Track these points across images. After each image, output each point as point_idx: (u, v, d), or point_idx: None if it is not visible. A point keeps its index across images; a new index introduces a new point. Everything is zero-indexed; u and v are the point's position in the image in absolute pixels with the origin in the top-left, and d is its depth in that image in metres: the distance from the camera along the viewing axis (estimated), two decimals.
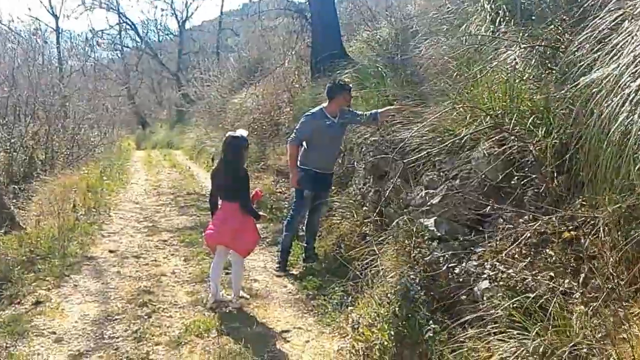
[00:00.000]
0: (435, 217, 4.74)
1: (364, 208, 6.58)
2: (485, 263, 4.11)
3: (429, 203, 4.84)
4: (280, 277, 6.46)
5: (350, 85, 6.68)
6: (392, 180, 6.11)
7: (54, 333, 4.95)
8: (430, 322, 3.96)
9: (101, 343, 4.78)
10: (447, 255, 4.43)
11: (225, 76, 23.46)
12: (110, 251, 7.49)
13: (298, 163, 6.56)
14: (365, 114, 6.59)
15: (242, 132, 5.50)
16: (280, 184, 12.55)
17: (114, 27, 39.38)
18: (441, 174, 5.03)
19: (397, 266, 4.82)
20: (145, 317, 5.32)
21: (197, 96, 27.96)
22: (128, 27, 38.85)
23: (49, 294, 5.86)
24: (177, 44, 39.84)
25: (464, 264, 4.30)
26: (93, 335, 4.93)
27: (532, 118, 4.20)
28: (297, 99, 13.98)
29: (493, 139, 4.62)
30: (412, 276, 4.33)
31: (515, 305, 3.38)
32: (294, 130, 6.62)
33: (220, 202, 5.56)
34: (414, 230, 4.85)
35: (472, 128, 4.53)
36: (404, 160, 5.90)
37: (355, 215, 6.63)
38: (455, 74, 5.96)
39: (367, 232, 6.14)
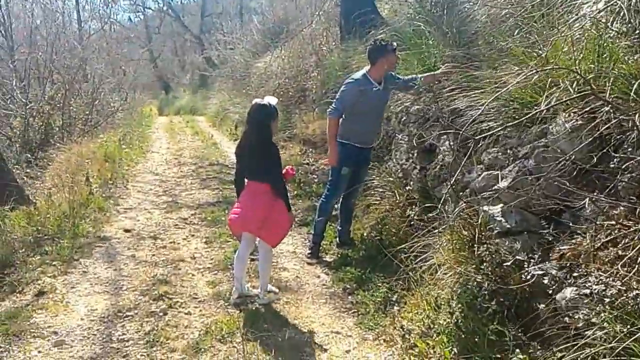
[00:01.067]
0: (502, 205, 3.94)
1: (408, 188, 5.78)
2: (573, 266, 3.33)
3: (494, 187, 4.02)
4: (312, 265, 5.73)
5: (395, 44, 5.80)
6: (442, 157, 5.30)
7: (55, 333, 4.30)
8: (508, 340, 3.20)
9: (108, 347, 4.11)
10: (520, 253, 3.66)
11: (248, 39, 22.53)
12: (126, 230, 6.82)
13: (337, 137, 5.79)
14: (409, 77, 5.79)
15: (270, 100, 4.69)
16: (308, 154, 11.80)
17: None
18: (508, 151, 4.20)
19: (456, 263, 4.06)
20: (161, 313, 4.64)
21: (220, 60, 27.16)
22: None
23: (54, 282, 5.21)
24: (199, 5, 38.87)
25: (542, 265, 3.52)
26: (100, 337, 4.25)
27: (636, 83, 3.34)
28: (325, 63, 13.11)
29: (576, 109, 3.78)
30: (479, 279, 3.56)
31: (629, 330, 2.61)
32: (335, 100, 5.80)
33: (246, 181, 4.81)
34: (477, 219, 4.07)
35: (555, 96, 3.67)
36: (460, 133, 5.11)
37: (397, 196, 5.84)
38: (517, 31, 5.09)
39: (413, 216, 5.35)
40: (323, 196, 6.02)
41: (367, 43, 10.55)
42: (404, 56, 7.39)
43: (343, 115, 5.73)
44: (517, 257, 3.64)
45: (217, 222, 7.12)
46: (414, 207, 5.40)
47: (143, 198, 8.50)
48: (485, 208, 3.98)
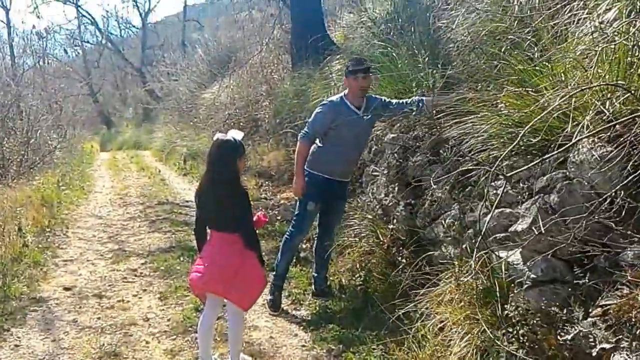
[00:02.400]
0: (520, 250, 3.31)
1: (391, 226, 5.12)
2: (622, 324, 2.71)
3: (509, 228, 3.39)
4: (286, 318, 4.99)
5: (367, 64, 5.16)
6: (430, 192, 4.67)
7: None
8: None
9: None
10: (551, 309, 3.02)
11: (193, 69, 21.77)
12: (66, 288, 5.91)
13: (305, 165, 5.12)
14: (405, 101, 5.13)
15: (234, 134, 3.95)
16: (265, 188, 11.09)
17: (71, 22, 37.24)
18: (520, 185, 3.59)
19: (468, 321, 3.40)
20: None
21: (164, 92, 26.28)
22: (88, 21, 36.69)
23: None
24: (139, 38, 37.84)
25: (579, 324, 2.89)
26: None
27: None
28: (278, 91, 12.47)
29: (603, 134, 3.19)
30: (511, 349, 2.90)
31: None
32: (307, 124, 5.15)
33: (209, 231, 4.05)
34: (488, 267, 3.43)
35: (586, 118, 3.06)
36: (447, 164, 4.50)
37: (380, 236, 5.16)
38: (506, 49, 4.53)
39: (401, 259, 4.69)
40: (287, 233, 5.32)
41: (323, 69, 10.05)
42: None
43: (317, 142, 5.08)
44: (551, 310, 3.01)
45: (171, 272, 6.29)
46: (402, 249, 4.74)
47: (85, 247, 7.59)
48: (502, 254, 3.34)
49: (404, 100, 5.13)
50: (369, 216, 5.43)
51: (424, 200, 4.65)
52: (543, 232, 3.17)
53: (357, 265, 5.37)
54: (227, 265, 3.79)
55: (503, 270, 3.30)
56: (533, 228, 3.24)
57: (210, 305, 4.01)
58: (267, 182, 11.45)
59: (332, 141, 4.96)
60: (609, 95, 3.04)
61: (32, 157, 13.57)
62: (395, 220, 5.06)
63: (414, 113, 5.03)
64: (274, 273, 5.28)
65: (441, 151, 4.80)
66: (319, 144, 5.06)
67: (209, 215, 3.94)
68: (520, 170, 3.39)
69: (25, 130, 13.48)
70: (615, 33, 3.27)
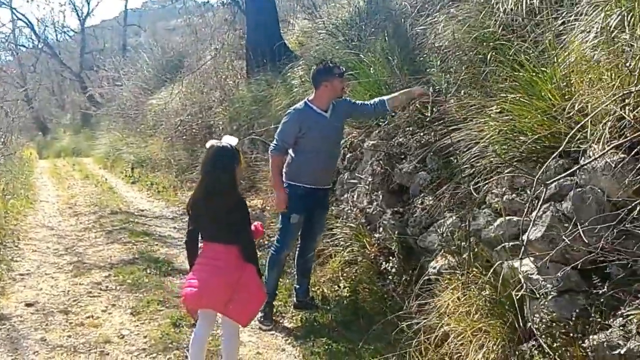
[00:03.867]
0: (532, 259, 3.25)
1: (377, 235, 5.01)
2: None
3: (523, 237, 3.31)
4: (271, 332, 4.81)
5: (342, 68, 5.06)
6: (420, 199, 4.58)
7: None
8: None
9: None
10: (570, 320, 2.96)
11: (138, 74, 21.20)
12: (28, 304, 5.54)
13: (283, 177, 4.96)
14: (369, 103, 5.05)
15: (229, 140, 3.77)
16: None
17: (6, 25, 35.82)
18: (526, 192, 3.53)
19: (480, 334, 3.32)
20: None
21: (107, 98, 25.53)
22: (23, 24, 35.32)
23: None
24: (78, 42, 36.66)
25: (602, 333, 2.85)
26: None
27: None
28: (234, 97, 12.23)
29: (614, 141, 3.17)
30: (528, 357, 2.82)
31: None
32: (275, 135, 4.99)
33: (201, 243, 3.82)
34: (497, 276, 3.36)
35: (599, 127, 3.03)
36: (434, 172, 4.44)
37: (367, 246, 5.03)
38: (489, 56, 4.50)
39: (390, 269, 4.57)
40: (272, 248, 5.13)
41: (285, 76, 9.89)
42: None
43: (290, 153, 4.93)
44: (570, 324, 2.95)
45: (139, 285, 5.99)
46: (391, 258, 4.63)
47: (41, 259, 7.17)
48: (515, 264, 3.26)
49: (368, 102, 5.08)
50: (352, 225, 5.30)
51: (414, 208, 4.55)
52: (557, 240, 3.13)
53: (340, 275, 5.24)
54: (225, 280, 3.59)
55: (515, 280, 3.22)
56: (545, 236, 3.20)
57: (204, 322, 3.78)
58: None
59: (306, 148, 4.83)
60: (626, 101, 3.00)
61: None
62: (381, 229, 4.95)
63: (370, 112, 5.09)
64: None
65: (428, 159, 4.75)
66: (293, 155, 4.91)
67: (203, 226, 3.72)
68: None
69: None
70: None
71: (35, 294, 5.85)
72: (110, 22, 41.81)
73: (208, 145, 3.75)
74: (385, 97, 4.98)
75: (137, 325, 5.04)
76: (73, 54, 36.15)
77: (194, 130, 13.76)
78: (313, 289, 5.31)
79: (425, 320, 3.84)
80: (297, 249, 5.18)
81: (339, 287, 5.15)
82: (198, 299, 3.65)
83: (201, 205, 3.69)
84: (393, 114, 5.29)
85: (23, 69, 35.33)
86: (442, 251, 4.08)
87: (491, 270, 3.36)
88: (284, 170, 4.97)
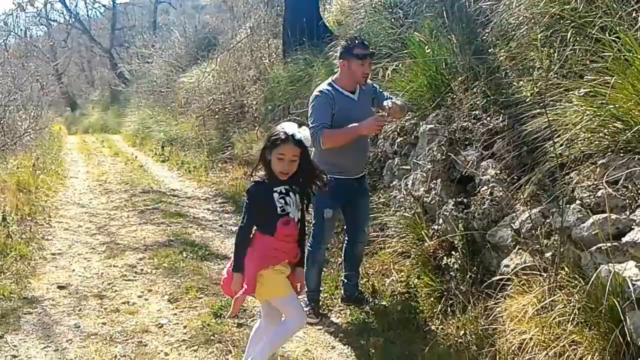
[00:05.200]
0: (635, 263, 2.84)
1: (437, 227, 4.62)
2: None
3: (625, 239, 2.90)
4: (318, 327, 4.45)
5: (368, 49, 4.40)
6: (488, 189, 4.18)
7: None
8: None
9: None
10: None
11: (170, 52, 20.91)
12: (60, 287, 5.27)
13: None
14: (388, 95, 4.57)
15: (292, 128, 3.32)
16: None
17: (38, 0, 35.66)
18: (628, 187, 3.11)
19: (568, 343, 2.93)
20: None
21: (136, 75, 25.33)
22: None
23: None
24: (108, 19, 36.52)
25: None
26: None
27: None
28: (270, 77, 11.86)
29: None
30: None
31: None
32: (310, 122, 4.31)
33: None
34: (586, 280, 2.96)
35: None
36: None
37: (426, 239, 4.64)
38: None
39: (452, 265, 4.19)
40: (308, 245, 4.50)
41: (327, 55, 9.47)
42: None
43: None
44: None
45: (176, 270, 5.68)
46: (453, 253, 4.24)
47: (73, 239, 6.91)
48: (611, 267, 2.85)
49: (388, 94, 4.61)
50: (406, 214, 4.91)
51: (482, 200, 4.14)
52: None
53: (392, 268, 4.87)
54: None
55: (615, 286, 2.82)
56: None
57: (267, 314, 3.46)
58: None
59: None
60: None
61: (3, 139, 12.70)
62: (441, 220, 4.56)
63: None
64: (307, 289, 4.64)
65: (496, 146, 4.35)
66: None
67: None
68: None
69: None
70: None
71: (68, 276, 5.59)
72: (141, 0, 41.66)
73: (281, 129, 3.30)
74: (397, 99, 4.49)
75: (176, 314, 4.73)
76: (103, 31, 36.07)
77: (226, 110, 13.46)
78: (361, 282, 4.94)
79: (496, 325, 3.47)
80: (345, 240, 4.78)
81: (392, 281, 4.77)
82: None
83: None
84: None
85: (54, 44, 35.27)
86: (518, 249, 3.68)
87: (592, 275, 2.96)
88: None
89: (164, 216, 7.96)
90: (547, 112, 3.60)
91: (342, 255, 4.83)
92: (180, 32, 21.16)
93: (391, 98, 4.42)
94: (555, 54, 4.10)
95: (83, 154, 16.57)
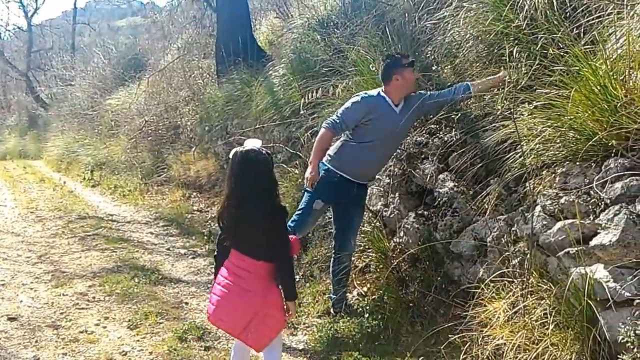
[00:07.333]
0: (603, 265, 3.02)
1: (397, 240, 4.73)
2: None
3: (594, 243, 3.07)
4: (287, 346, 4.44)
5: (411, 58, 4.65)
6: (447, 200, 4.32)
7: None
8: None
9: None
10: None
11: (93, 74, 20.43)
12: (10, 318, 5.04)
13: (324, 158, 4.63)
14: (447, 90, 4.60)
15: (254, 143, 3.36)
16: (195, 200, 10.42)
17: None
18: (589, 194, 3.29)
19: (543, 347, 3.07)
20: None
21: (58, 98, 24.56)
22: None
23: None
24: (24, 41, 35.24)
25: None
26: None
27: None
28: (205, 97, 11.81)
29: None
30: None
31: None
32: (338, 112, 4.57)
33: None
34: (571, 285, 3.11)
35: None
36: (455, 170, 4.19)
37: (386, 250, 4.73)
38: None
39: (415, 275, 4.30)
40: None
41: (266, 74, 9.49)
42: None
43: (346, 135, 4.59)
44: None
45: (130, 296, 5.55)
46: (417, 264, 4.36)
47: (14, 268, 6.62)
48: (587, 270, 3.02)
49: (445, 90, 4.63)
50: (367, 228, 5.00)
51: (443, 211, 4.28)
52: (632, 244, 2.92)
53: (356, 283, 4.94)
54: (246, 305, 3.19)
55: (585, 288, 2.99)
56: (620, 241, 2.97)
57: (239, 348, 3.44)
58: (195, 194, 10.78)
59: (364, 138, 4.46)
60: None
61: None
62: (402, 233, 4.67)
63: (446, 100, 4.54)
64: None
65: (451, 159, 4.51)
66: (349, 139, 4.55)
67: (234, 238, 3.32)
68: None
69: None
70: None
71: (16, 307, 5.36)
72: (56, 21, 40.57)
73: (233, 152, 3.32)
74: (471, 82, 4.53)
75: (138, 341, 4.62)
76: (19, 53, 34.81)
77: (159, 131, 13.28)
78: (323, 298, 4.98)
79: (468, 333, 3.58)
80: (333, 254, 4.79)
81: (359, 294, 4.83)
82: (215, 320, 3.30)
83: (232, 213, 3.29)
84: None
85: None
86: (484, 258, 3.82)
87: (560, 279, 3.11)
88: (330, 152, 4.63)
89: (107, 242, 7.76)
90: (504, 125, 3.78)
91: (331, 270, 4.81)
92: (104, 53, 20.73)
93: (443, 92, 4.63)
94: (504, 69, 4.28)
95: (6, 181, 15.88)
